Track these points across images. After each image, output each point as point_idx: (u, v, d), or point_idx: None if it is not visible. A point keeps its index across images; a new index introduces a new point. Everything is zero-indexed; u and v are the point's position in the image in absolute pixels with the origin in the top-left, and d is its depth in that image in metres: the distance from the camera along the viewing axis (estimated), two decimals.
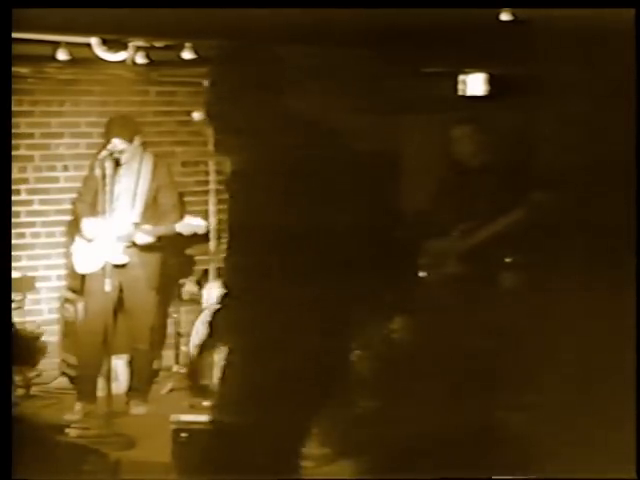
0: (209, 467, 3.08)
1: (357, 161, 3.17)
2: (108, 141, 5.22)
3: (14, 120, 5.48)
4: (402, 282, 4.83)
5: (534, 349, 5.22)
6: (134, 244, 5.32)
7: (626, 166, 4.49)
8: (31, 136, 5.99)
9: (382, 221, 3.29)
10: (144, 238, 5.30)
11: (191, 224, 5.36)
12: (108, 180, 5.01)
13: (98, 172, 5.17)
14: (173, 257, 5.84)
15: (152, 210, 5.40)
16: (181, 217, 5.48)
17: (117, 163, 5.24)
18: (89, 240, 5.31)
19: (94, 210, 5.26)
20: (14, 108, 5.28)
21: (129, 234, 5.28)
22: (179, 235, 5.41)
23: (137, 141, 5.33)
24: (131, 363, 5.61)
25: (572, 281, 5.47)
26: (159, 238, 5.37)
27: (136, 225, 5.33)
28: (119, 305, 5.36)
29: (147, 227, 5.33)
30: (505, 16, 4.61)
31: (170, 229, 5.36)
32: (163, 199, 5.44)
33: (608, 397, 4.45)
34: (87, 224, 5.31)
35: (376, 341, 4.92)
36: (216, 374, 5.40)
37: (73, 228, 5.68)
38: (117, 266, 5.22)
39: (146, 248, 5.35)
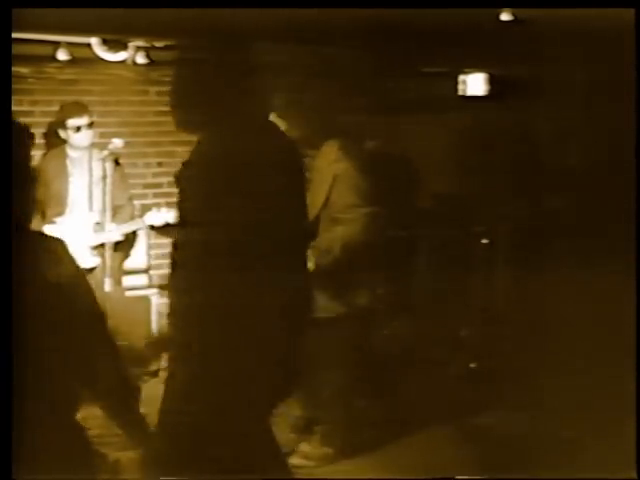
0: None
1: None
2: (62, 124, 5.27)
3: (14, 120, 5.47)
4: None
5: (532, 348, 5.22)
6: (101, 245, 5.22)
7: (626, 166, 4.49)
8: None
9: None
10: (113, 237, 5.22)
11: (160, 215, 5.30)
12: (108, 181, 5.02)
13: (98, 173, 5.19)
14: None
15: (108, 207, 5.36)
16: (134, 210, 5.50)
17: (116, 163, 5.25)
18: None
19: (44, 214, 5.26)
20: (14, 108, 5.26)
21: (96, 236, 5.23)
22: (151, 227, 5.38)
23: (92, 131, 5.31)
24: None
25: (572, 280, 5.47)
26: (127, 235, 5.36)
27: (100, 225, 5.26)
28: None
29: (113, 226, 5.24)
30: (505, 16, 4.61)
31: (140, 223, 5.33)
32: (117, 193, 5.32)
33: (608, 397, 4.45)
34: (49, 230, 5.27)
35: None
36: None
37: None
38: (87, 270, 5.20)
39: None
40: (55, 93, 6.03)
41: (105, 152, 5.08)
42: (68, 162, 5.37)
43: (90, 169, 5.31)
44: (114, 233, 5.20)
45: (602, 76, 5.56)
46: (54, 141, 5.53)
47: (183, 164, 3.05)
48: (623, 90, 4.64)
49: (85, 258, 5.19)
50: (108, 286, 4.96)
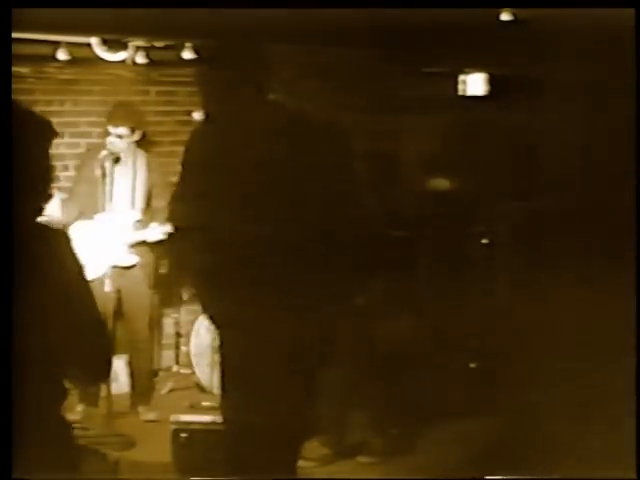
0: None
1: (345, 159, 3.19)
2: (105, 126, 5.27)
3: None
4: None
5: (532, 348, 5.22)
6: (143, 243, 5.24)
7: (626, 166, 4.49)
8: None
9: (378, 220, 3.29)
10: (155, 235, 5.23)
11: None
12: (108, 180, 5.01)
13: (98, 172, 5.18)
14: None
15: (148, 209, 5.37)
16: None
17: (117, 162, 5.24)
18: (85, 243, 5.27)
19: (86, 211, 5.24)
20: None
21: (137, 233, 5.24)
22: None
23: (136, 135, 5.32)
24: (132, 363, 5.57)
25: (571, 280, 5.47)
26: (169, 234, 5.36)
27: (140, 223, 5.27)
28: (118, 306, 5.33)
29: (155, 224, 5.25)
30: (505, 16, 4.62)
31: None
32: (157, 197, 5.33)
33: (608, 397, 4.45)
34: (82, 227, 5.26)
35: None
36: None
37: None
38: (121, 268, 5.19)
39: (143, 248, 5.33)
40: (55, 93, 6.03)
41: (105, 152, 5.08)
42: (109, 160, 5.31)
43: (134, 167, 5.32)
44: (156, 231, 5.19)
45: (602, 76, 5.55)
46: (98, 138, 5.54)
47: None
48: (623, 90, 4.64)
49: (122, 256, 5.18)
50: (108, 287, 4.94)
